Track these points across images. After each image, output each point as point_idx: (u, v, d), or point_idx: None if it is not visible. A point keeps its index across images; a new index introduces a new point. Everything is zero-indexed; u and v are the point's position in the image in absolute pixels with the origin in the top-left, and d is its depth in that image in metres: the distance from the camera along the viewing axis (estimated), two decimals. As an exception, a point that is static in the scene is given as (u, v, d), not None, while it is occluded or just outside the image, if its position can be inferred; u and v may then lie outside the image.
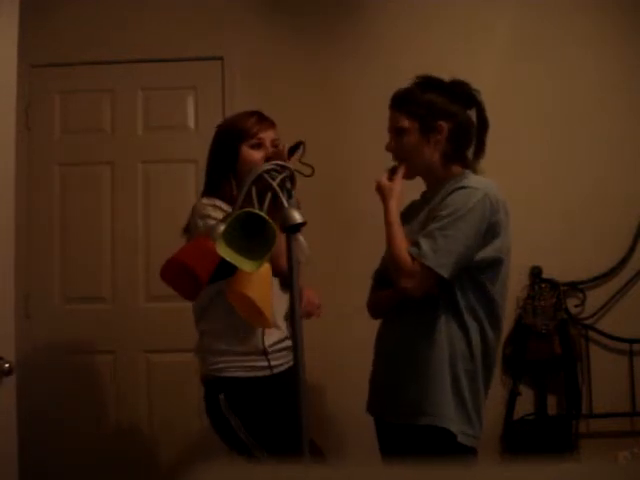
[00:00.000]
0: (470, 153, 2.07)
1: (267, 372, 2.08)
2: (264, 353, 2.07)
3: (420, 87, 2.05)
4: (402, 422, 1.98)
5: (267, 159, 2.05)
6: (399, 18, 3.28)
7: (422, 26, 3.27)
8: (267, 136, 2.17)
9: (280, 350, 2.13)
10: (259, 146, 2.16)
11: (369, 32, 3.29)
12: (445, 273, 1.87)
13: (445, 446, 1.91)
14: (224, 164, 2.16)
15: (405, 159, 2.04)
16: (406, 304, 1.98)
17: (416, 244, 1.91)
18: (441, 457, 1.88)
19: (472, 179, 1.98)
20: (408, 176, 2.07)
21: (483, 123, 2.05)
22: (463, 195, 1.91)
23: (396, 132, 2.04)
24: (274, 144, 2.18)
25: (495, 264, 1.95)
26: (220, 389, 2.10)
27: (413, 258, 1.89)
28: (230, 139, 2.17)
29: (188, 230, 2.15)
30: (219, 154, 2.20)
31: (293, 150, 2.08)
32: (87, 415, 3.18)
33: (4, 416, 2.07)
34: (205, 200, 2.12)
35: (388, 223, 1.98)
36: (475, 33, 3.25)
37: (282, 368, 2.13)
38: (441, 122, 2.00)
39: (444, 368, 1.92)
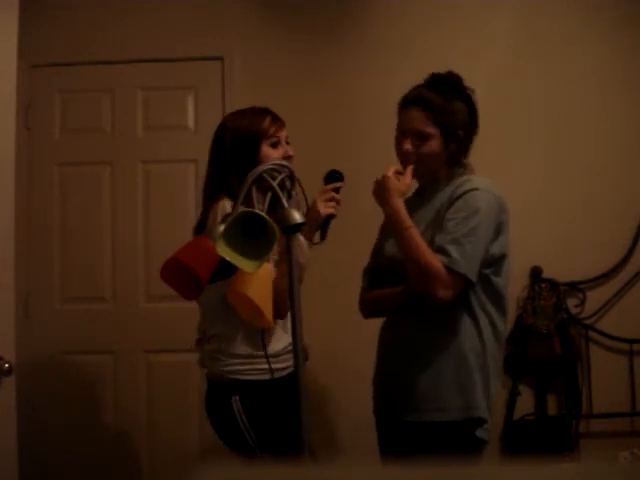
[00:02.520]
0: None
1: (283, 373, 2.07)
2: (277, 355, 2.06)
3: (437, 90, 2.04)
4: (425, 420, 1.98)
5: (285, 158, 2.02)
6: (399, 18, 3.28)
7: (422, 26, 3.27)
8: (283, 135, 2.16)
9: (289, 352, 2.09)
10: (277, 144, 2.14)
11: (370, 32, 3.28)
12: (474, 278, 1.93)
13: (466, 439, 1.96)
14: (244, 165, 2.03)
15: (421, 163, 2.04)
16: (417, 303, 1.99)
17: (442, 251, 1.92)
18: (460, 451, 1.94)
19: (477, 180, 2.02)
20: (416, 177, 2.09)
21: (473, 122, 2.08)
22: (476, 198, 1.96)
23: (418, 136, 2.02)
24: (287, 142, 2.17)
25: (501, 259, 2.01)
26: (234, 391, 2.08)
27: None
28: (249, 139, 2.12)
29: (201, 230, 2.08)
30: (237, 155, 2.12)
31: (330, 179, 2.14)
32: (87, 415, 3.18)
33: (4, 416, 2.07)
34: (228, 202, 2.02)
35: (406, 228, 1.96)
36: (475, 33, 3.25)
37: (290, 370, 2.11)
38: (461, 131, 2.04)
39: (468, 361, 1.97)
